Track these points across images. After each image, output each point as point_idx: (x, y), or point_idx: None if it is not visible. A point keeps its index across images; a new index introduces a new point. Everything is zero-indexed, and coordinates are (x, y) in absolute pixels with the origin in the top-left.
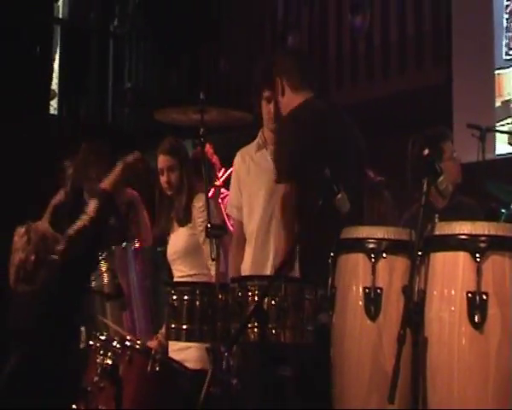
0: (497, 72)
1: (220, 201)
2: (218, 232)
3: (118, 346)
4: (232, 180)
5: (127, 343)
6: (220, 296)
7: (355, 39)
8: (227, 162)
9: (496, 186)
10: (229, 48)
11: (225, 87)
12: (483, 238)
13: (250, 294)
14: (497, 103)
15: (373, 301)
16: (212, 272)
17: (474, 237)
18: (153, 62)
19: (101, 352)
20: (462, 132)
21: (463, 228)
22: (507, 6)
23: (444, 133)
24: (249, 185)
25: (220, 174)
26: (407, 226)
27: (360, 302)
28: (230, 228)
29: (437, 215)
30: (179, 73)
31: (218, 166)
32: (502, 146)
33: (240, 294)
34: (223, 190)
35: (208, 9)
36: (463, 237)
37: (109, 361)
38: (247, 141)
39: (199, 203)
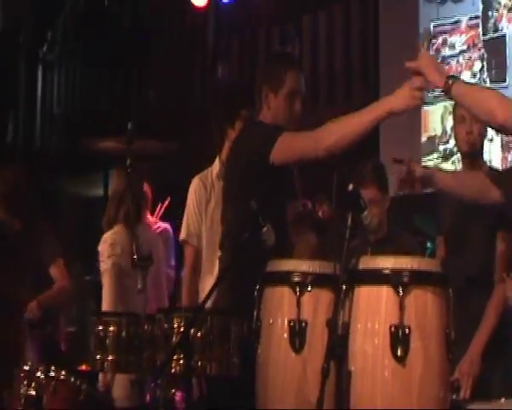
0: (423, 107)
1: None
2: (145, 263)
3: (42, 376)
4: (190, 207)
5: (51, 374)
6: (146, 327)
7: None
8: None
9: (422, 220)
10: (160, 76)
11: (155, 116)
12: (406, 273)
13: (176, 325)
14: (423, 138)
15: (298, 334)
16: None
17: (396, 272)
18: (82, 89)
19: (25, 382)
20: (388, 166)
21: (387, 263)
22: (432, 43)
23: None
24: (211, 214)
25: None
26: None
27: (285, 335)
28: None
29: (369, 248)
30: (109, 101)
31: (148, 197)
32: None
33: (166, 325)
34: (159, 223)
35: (138, 37)
36: (387, 271)
37: (33, 392)
38: (176, 170)
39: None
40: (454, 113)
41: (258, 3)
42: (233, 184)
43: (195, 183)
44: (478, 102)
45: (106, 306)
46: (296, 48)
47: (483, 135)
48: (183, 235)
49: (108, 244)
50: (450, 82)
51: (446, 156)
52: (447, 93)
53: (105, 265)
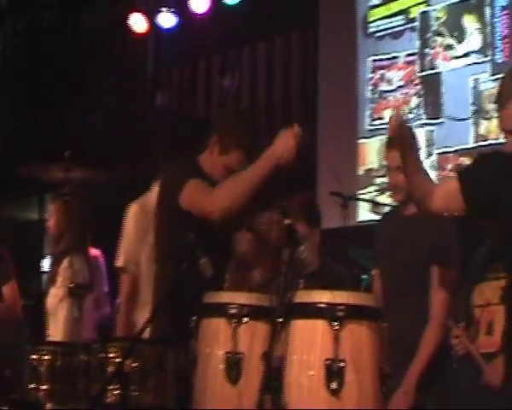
0: (360, 141)
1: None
2: (81, 292)
3: None
4: (129, 234)
5: None
6: (82, 357)
7: (223, 101)
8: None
9: (358, 252)
10: (99, 104)
11: (93, 144)
12: (341, 307)
13: (112, 355)
14: (360, 172)
15: (234, 366)
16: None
17: (332, 306)
18: (19, 116)
19: None
20: (326, 199)
21: (322, 297)
22: (370, 78)
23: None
24: (151, 244)
25: None
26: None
27: (221, 367)
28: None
29: (302, 281)
30: (46, 129)
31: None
32: (364, 213)
33: (101, 355)
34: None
35: (77, 64)
36: (322, 305)
37: None
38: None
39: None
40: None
41: (199, 32)
42: (166, 215)
43: (134, 209)
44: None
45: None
46: (236, 79)
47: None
48: (120, 262)
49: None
50: None
51: (383, 190)
52: None
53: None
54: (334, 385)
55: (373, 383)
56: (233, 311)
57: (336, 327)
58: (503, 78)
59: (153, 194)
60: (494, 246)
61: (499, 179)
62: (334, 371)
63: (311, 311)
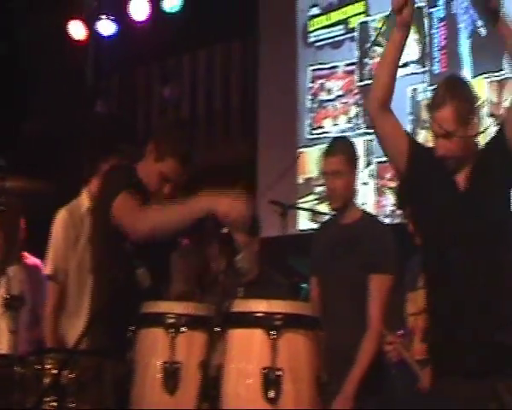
0: (300, 150)
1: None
2: (17, 304)
3: None
4: (58, 241)
5: None
6: (17, 369)
7: (163, 109)
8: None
9: (298, 261)
10: (38, 112)
11: (31, 153)
12: (278, 316)
13: (48, 366)
14: (300, 180)
15: (171, 376)
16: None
17: (269, 315)
18: None
19: None
20: (266, 207)
21: (259, 306)
22: (310, 87)
23: None
24: (81, 251)
25: None
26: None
27: (159, 377)
28: None
29: (241, 289)
30: None
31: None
32: (304, 222)
33: (37, 366)
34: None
35: (15, 70)
36: (259, 314)
37: None
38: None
39: None
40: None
41: (139, 40)
42: (101, 225)
43: (63, 216)
44: None
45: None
46: (176, 87)
47: (350, 188)
48: (48, 270)
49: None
50: None
51: (322, 198)
52: None
53: None
54: (271, 394)
55: (310, 392)
56: (170, 321)
57: (273, 336)
58: (437, 86)
59: (82, 200)
60: None
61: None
62: (271, 380)
63: (248, 320)
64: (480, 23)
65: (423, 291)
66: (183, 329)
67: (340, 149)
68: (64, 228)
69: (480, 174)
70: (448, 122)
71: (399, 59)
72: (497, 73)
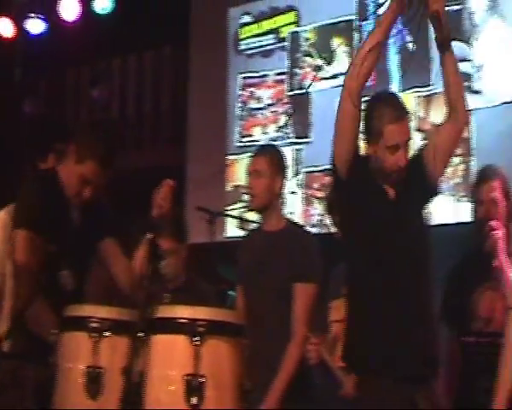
0: (229, 157)
1: None
2: None
3: None
4: None
5: None
6: None
7: (93, 111)
8: None
9: (225, 268)
10: None
11: None
12: (202, 323)
13: None
14: (228, 188)
15: (94, 381)
16: None
17: (193, 322)
18: None
19: None
20: (194, 214)
21: (184, 312)
22: (240, 95)
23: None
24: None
25: None
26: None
27: (81, 381)
28: None
29: (167, 295)
30: None
31: None
32: (232, 229)
33: None
34: None
35: None
36: (183, 321)
37: None
38: None
39: None
40: (247, 167)
41: (69, 40)
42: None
43: (1, 217)
44: None
45: None
46: (106, 89)
47: (270, 191)
48: None
49: None
50: None
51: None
52: None
53: None
54: (193, 400)
55: (233, 399)
56: (94, 325)
57: (197, 343)
58: (375, 103)
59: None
60: None
61: None
62: (194, 387)
63: (171, 326)
64: (408, 39)
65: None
66: (107, 333)
67: (266, 151)
68: (3, 230)
69: (404, 187)
70: (408, 134)
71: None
72: (424, 89)
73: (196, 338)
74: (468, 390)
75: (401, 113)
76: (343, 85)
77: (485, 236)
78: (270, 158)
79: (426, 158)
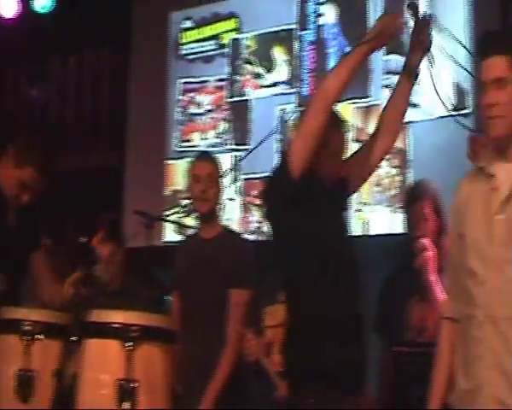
0: (168, 162)
1: None
2: None
3: None
4: None
5: None
6: None
7: (31, 111)
8: None
9: (162, 273)
10: None
11: None
12: (135, 328)
13: None
14: (167, 192)
15: (25, 384)
16: None
17: (126, 327)
18: None
19: None
20: (132, 217)
21: (117, 317)
22: (180, 100)
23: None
24: None
25: None
26: None
27: (12, 385)
28: None
29: (101, 299)
30: None
31: None
32: (170, 234)
33: None
34: None
35: None
36: (116, 325)
37: None
38: None
39: None
40: (189, 171)
41: (7, 38)
42: None
43: None
44: None
45: None
46: (44, 89)
47: (218, 195)
48: None
49: None
50: None
51: (189, 211)
52: None
53: None
54: (126, 405)
55: (165, 404)
56: (26, 328)
57: (129, 348)
58: None
59: None
60: None
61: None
62: (126, 391)
63: (104, 331)
64: (348, 50)
65: (283, 305)
66: (39, 336)
67: (213, 157)
68: None
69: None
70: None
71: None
72: (363, 100)
73: (129, 343)
74: (400, 399)
75: (342, 122)
76: (321, 95)
77: (416, 253)
78: (217, 164)
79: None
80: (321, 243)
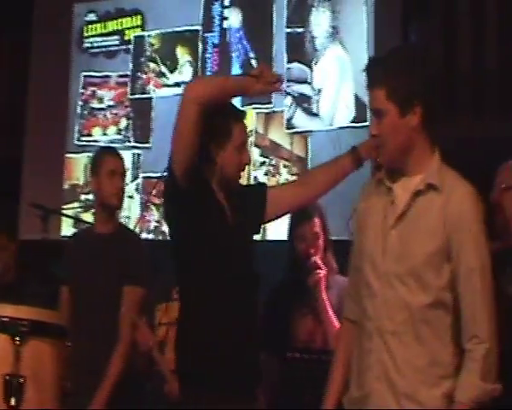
0: (67, 155)
1: None
2: None
3: None
4: None
5: None
6: None
7: None
8: None
9: (59, 267)
10: None
11: None
12: (24, 323)
13: None
14: (66, 186)
15: None
16: None
17: (14, 321)
18: None
19: None
20: (29, 210)
21: (6, 311)
22: (82, 94)
23: None
24: None
25: None
26: None
27: None
28: None
29: None
30: None
31: None
32: (67, 228)
33: None
34: None
35: None
36: (4, 319)
37: None
38: None
39: None
40: (101, 166)
41: None
42: None
43: None
44: None
45: None
46: None
47: (123, 191)
48: None
49: None
50: None
51: (87, 207)
52: None
53: None
54: (12, 401)
55: (53, 401)
56: None
57: (18, 343)
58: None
59: None
60: None
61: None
62: (13, 387)
63: None
64: (252, 55)
65: (178, 303)
66: None
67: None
68: None
69: (240, 211)
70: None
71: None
72: (265, 106)
73: (17, 338)
74: (291, 405)
75: (241, 113)
76: (187, 89)
77: (307, 271)
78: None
79: (269, 199)
80: (208, 244)
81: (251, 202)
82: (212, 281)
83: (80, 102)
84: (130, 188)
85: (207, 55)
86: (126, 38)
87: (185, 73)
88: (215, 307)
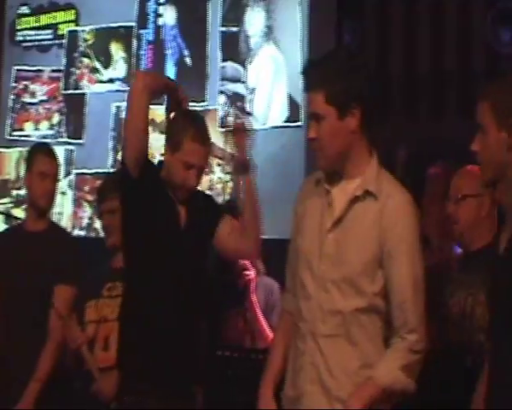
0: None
1: None
2: None
3: None
4: None
5: None
6: None
7: None
8: None
9: None
10: None
11: None
12: None
13: None
14: None
15: None
16: None
17: None
18: None
19: None
20: None
21: None
22: (14, 87)
23: None
24: None
25: None
26: None
27: None
28: None
29: None
30: None
31: None
32: None
33: None
34: None
35: None
36: None
37: None
38: None
39: None
40: (32, 166)
41: None
42: None
43: None
44: None
45: None
46: None
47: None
48: None
49: None
50: None
51: (18, 202)
52: None
53: None
54: None
55: None
56: None
57: None
58: (182, 117)
59: None
60: None
61: None
62: None
63: None
64: (186, 53)
65: (109, 301)
66: None
67: (55, 153)
68: None
69: (195, 214)
70: (205, 161)
71: None
72: (200, 103)
73: None
74: (226, 404)
75: (206, 138)
76: (138, 78)
77: (236, 272)
78: (58, 160)
79: (221, 226)
80: (153, 238)
81: (208, 210)
82: (152, 277)
83: (12, 96)
84: (62, 184)
85: (142, 52)
86: (60, 32)
87: (119, 69)
88: (153, 304)
